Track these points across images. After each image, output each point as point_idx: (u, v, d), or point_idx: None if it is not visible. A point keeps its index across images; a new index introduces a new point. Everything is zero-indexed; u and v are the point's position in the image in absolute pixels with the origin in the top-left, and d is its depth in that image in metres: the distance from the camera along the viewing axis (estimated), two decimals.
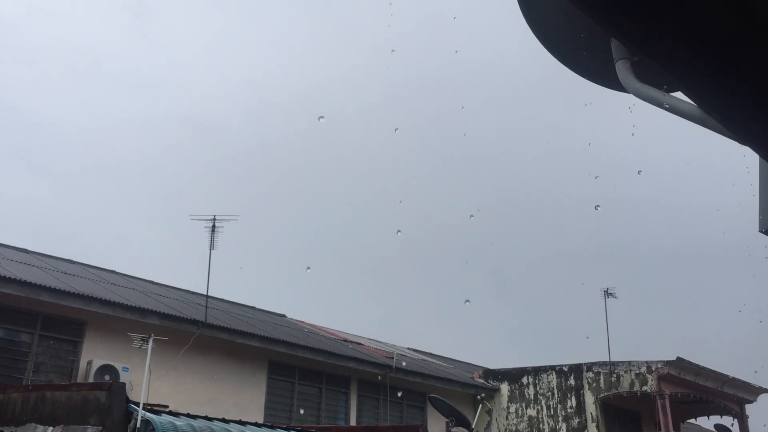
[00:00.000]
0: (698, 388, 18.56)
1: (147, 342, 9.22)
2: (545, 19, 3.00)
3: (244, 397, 14.73)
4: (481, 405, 19.16)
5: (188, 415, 8.14)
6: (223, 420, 8.35)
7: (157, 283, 18.28)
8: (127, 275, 17.84)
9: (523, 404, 19.62)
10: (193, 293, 18.28)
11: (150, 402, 9.95)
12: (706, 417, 21.31)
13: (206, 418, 8.26)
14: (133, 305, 13.03)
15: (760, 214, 3.82)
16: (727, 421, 20.16)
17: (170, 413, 8.19)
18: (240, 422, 8.48)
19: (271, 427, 9.12)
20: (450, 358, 24.82)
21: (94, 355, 12.38)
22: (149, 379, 9.14)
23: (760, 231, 3.85)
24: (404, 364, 18.15)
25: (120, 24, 59.02)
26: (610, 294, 19.71)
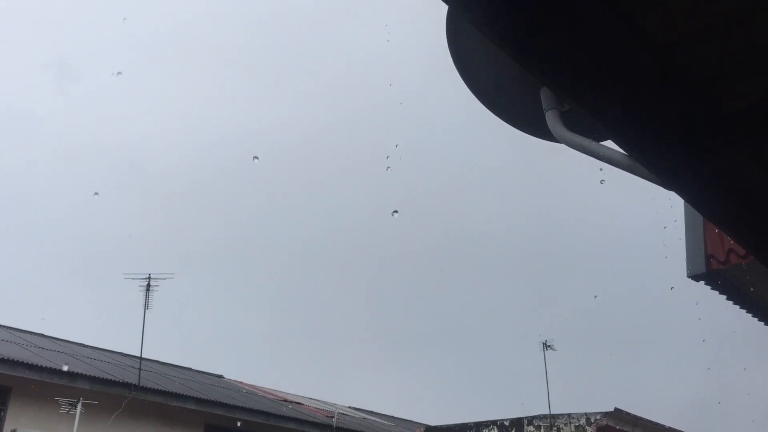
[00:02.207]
0: None
1: (75, 407, 8.80)
2: (477, 71, 3.09)
3: None
4: None
5: None
6: None
7: (88, 346, 17.61)
8: (56, 338, 17.14)
9: None
10: (127, 355, 17.67)
11: None
12: None
13: None
14: (62, 369, 12.47)
15: (687, 260, 3.95)
16: None
17: None
18: None
19: None
20: (392, 416, 24.49)
21: (18, 423, 11.73)
22: None
23: (688, 276, 3.98)
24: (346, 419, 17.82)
25: (44, 79, 57.29)
26: (549, 346, 19.86)
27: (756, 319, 4.47)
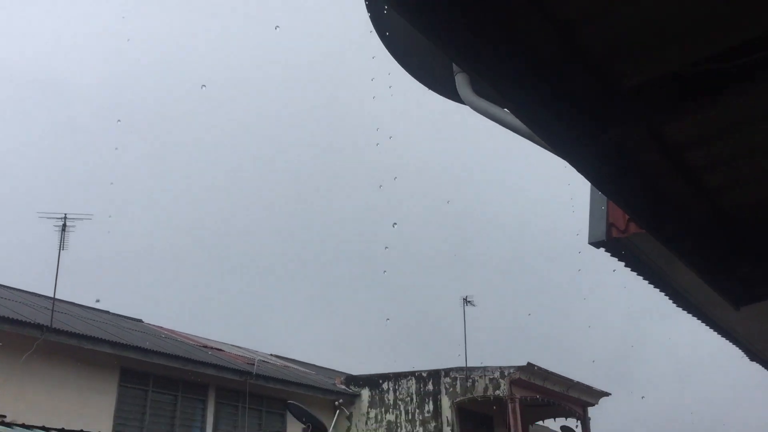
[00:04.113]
0: (546, 392, 19.54)
1: None
2: (392, 31, 3.05)
3: (92, 407, 13.97)
4: (338, 411, 19.22)
5: (23, 426, 7.61)
6: (63, 430, 7.87)
7: None
8: None
9: (383, 409, 19.87)
10: (40, 296, 17.19)
11: None
12: (552, 419, 22.46)
13: (43, 428, 7.75)
14: None
15: (589, 227, 4.06)
16: (571, 423, 21.36)
17: (3, 424, 7.62)
18: None
19: None
20: (313, 365, 24.75)
21: None
22: None
23: (589, 243, 4.10)
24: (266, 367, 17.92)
25: None
26: (469, 302, 20.37)
27: (652, 286, 4.66)
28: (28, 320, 13.01)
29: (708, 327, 5.34)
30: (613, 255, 4.23)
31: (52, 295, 14.48)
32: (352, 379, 20.91)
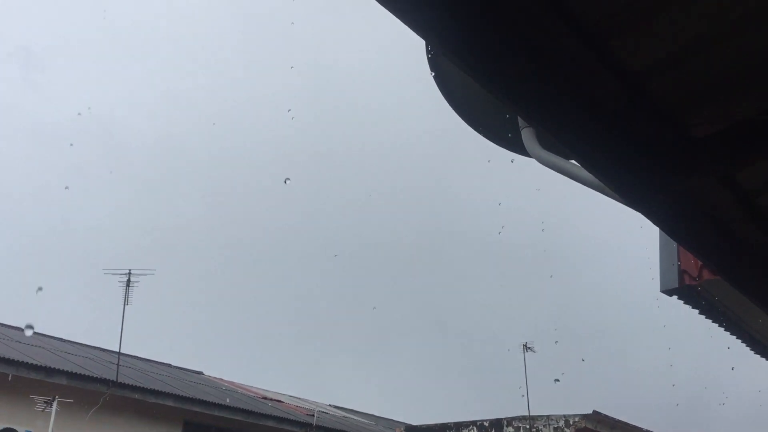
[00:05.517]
0: None
1: (51, 404, 8.75)
2: (457, 89, 3.10)
3: None
4: None
5: None
6: None
7: (66, 341, 17.48)
8: (33, 333, 16.98)
9: None
10: (106, 351, 17.56)
11: None
12: None
13: None
14: (38, 364, 12.37)
15: (660, 275, 3.99)
16: None
17: None
18: None
19: None
20: (373, 415, 24.54)
21: None
22: None
23: (661, 291, 4.02)
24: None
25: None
26: (529, 348, 19.97)
27: (728, 333, 4.52)
28: (95, 375, 13.30)
29: None
30: (686, 302, 4.14)
31: (115, 350, 14.81)
32: (412, 429, 20.60)
